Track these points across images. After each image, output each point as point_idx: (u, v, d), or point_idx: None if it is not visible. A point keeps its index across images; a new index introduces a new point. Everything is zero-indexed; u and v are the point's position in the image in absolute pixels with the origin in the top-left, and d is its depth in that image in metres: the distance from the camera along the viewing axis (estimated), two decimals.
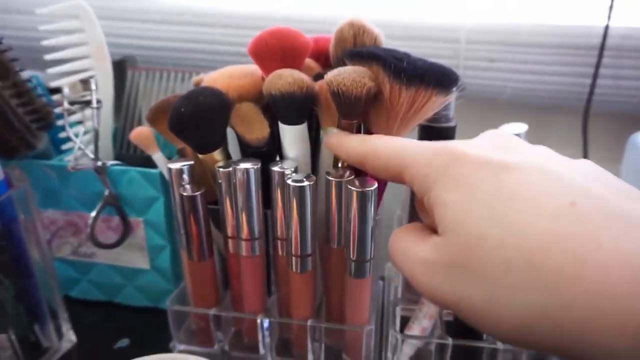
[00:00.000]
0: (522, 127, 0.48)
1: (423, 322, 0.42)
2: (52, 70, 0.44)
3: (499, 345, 0.40)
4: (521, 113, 0.67)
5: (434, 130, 0.46)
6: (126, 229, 0.47)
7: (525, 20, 0.58)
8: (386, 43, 0.60)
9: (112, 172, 0.45)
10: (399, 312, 0.45)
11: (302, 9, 0.62)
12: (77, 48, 0.45)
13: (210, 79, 0.43)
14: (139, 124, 0.58)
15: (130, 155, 0.56)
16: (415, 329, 0.42)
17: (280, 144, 0.41)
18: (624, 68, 0.57)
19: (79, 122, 0.44)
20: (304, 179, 0.37)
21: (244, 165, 0.38)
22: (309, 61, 0.44)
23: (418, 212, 0.32)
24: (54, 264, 0.45)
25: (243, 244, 0.40)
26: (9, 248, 0.39)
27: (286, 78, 0.38)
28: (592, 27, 0.56)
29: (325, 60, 0.45)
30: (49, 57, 0.44)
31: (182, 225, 0.41)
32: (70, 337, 0.46)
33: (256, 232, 0.40)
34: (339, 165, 0.40)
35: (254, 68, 0.43)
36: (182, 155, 0.44)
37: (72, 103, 0.44)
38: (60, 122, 0.45)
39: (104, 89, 0.46)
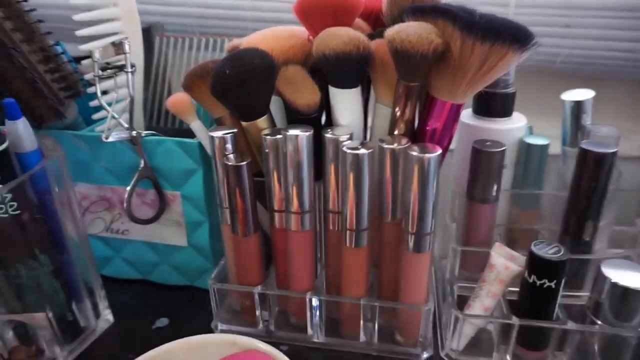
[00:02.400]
0: (589, 94, 0.44)
1: (485, 300, 0.39)
2: (81, 32, 0.40)
3: (570, 326, 0.37)
4: (577, 82, 0.63)
5: (493, 96, 0.43)
6: (162, 203, 0.44)
7: None
8: None
9: (147, 142, 0.42)
10: (456, 290, 0.42)
11: None
12: (106, 9, 0.42)
13: (252, 40, 0.40)
14: (169, 93, 0.55)
15: (160, 127, 0.53)
16: (476, 308, 0.39)
17: (330, 110, 0.38)
18: None
19: (104, 92, 0.41)
20: (361, 147, 0.34)
21: (294, 132, 0.35)
22: (358, 21, 0.40)
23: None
24: (89, 240, 0.42)
25: (292, 217, 0.38)
26: (43, 221, 0.36)
27: (341, 37, 0.34)
28: None
29: (375, 21, 0.41)
30: (77, 17, 0.40)
31: (225, 197, 0.38)
32: (107, 316, 0.44)
33: (307, 204, 0.37)
34: (395, 132, 0.37)
35: (297, 29, 0.40)
36: (220, 125, 0.41)
37: (103, 69, 0.41)
38: (90, 90, 0.42)
39: (135, 54, 0.42)
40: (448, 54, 0.32)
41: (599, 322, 0.37)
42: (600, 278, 0.37)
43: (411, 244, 0.36)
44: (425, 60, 0.32)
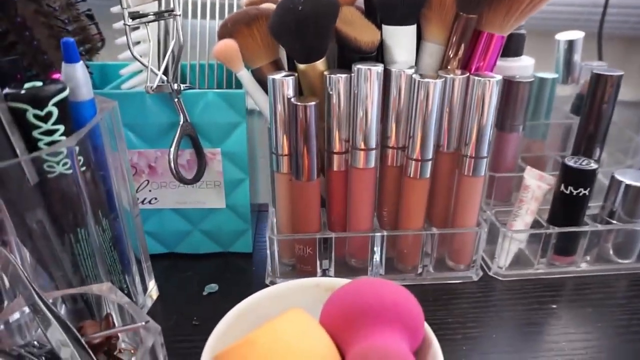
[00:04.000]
0: (579, 34, 0.50)
1: (526, 217, 0.43)
2: None
3: (600, 227, 0.43)
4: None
5: (508, 38, 0.47)
6: (202, 163, 0.41)
7: None
8: None
9: (186, 96, 0.39)
10: (493, 213, 0.46)
11: None
12: None
13: None
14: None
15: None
16: (519, 225, 0.43)
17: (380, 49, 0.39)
18: None
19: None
20: (429, 77, 0.36)
21: (367, 66, 0.35)
22: None
23: None
24: (139, 207, 0.38)
25: (360, 155, 0.38)
26: (104, 180, 0.33)
27: None
28: None
29: None
30: None
31: (288, 144, 0.38)
32: (153, 289, 0.40)
33: (374, 141, 0.38)
34: (448, 67, 0.39)
35: None
36: (258, 78, 0.40)
37: (134, 17, 0.37)
38: (118, 41, 0.38)
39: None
40: None
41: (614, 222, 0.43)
42: (615, 184, 0.43)
43: (469, 168, 0.39)
44: None
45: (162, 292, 0.42)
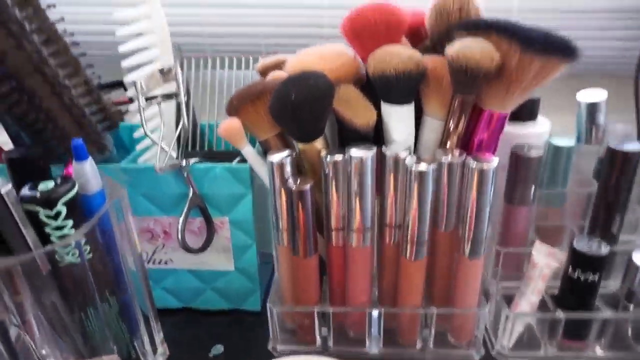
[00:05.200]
0: (602, 94, 0.48)
1: (532, 297, 0.42)
2: (125, 63, 0.40)
3: (611, 315, 0.40)
4: (572, 80, 0.68)
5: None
6: (211, 231, 0.44)
7: None
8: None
9: (197, 170, 0.42)
10: (500, 290, 0.44)
11: None
12: (146, 37, 0.41)
13: (296, 62, 0.41)
14: (193, 115, 0.54)
15: (194, 152, 0.53)
16: (524, 305, 0.42)
17: (379, 127, 0.40)
18: None
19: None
20: (424, 163, 0.36)
21: (359, 153, 0.36)
22: None
23: None
24: (148, 273, 0.41)
25: (354, 234, 0.39)
26: (109, 261, 0.36)
27: (400, 55, 0.36)
28: None
29: (412, 36, 0.43)
30: (122, 48, 0.40)
31: (286, 221, 0.39)
32: (163, 349, 0.43)
33: (369, 221, 0.38)
34: (447, 145, 0.39)
35: (342, 48, 0.41)
36: (265, 148, 0.42)
37: (148, 99, 0.40)
38: (134, 120, 0.42)
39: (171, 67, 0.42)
40: (503, 68, 0.35)
41: (632, 308, 0.40)
42: (632, 267, 0.40)
43: (467, 250, 0.39)
44: (487, 75, 0.34)
45: (174, 351, 0.44)
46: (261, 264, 0.48)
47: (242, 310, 0.49)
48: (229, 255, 0.46)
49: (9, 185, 0.30)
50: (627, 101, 0.62)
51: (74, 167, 0.33)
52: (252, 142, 0.43)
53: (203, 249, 0.44)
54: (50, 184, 0.32)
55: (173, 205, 0.44)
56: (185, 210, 0.42)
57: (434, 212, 0.39)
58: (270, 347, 0.44)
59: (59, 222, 0.32)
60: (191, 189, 0.42)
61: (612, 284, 0.45)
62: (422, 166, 0.36)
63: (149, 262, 0.47)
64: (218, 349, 0.45)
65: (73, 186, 0.32)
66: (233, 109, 0.41)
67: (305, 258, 0.40)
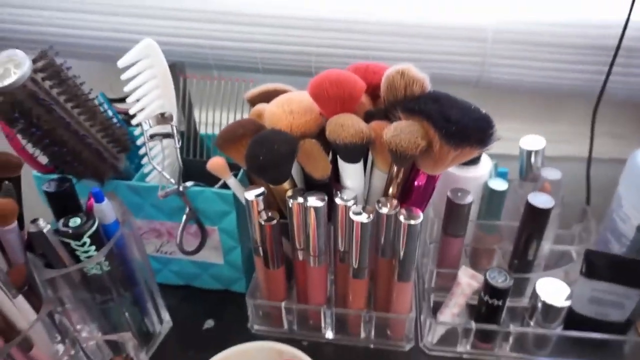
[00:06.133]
0: (541, 143, 0.55)
1: (453, 309, 0.53)
2: (132, 110, 0.50)
3: (511, 329, 0.51)
4: (536, 100, 0.74)
5: None
6: (204, 237, 0.55)
7: (548, 19, 0.62)
8: (415, 42, 0.66)
9: (191, 192, 0.53)
10: (432, 298, 0.55)
11: (329, 10, 0.64)
12: (149, 83, 0.50)
13: (271, 114, 0.49)
14: (195, 129, 0.64)
15: (193, 160, 0.63)
16: (446, 314, 0.53)
17: (339, 173, 0.49)
18: (636, 67, 0.62)
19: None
20: (363, 211, 0.45)
21: (313, 203, 0.46)
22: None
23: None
24: (150, 262, 0.54)
25: (311, 258, 0.50)
26: (123, 268, 0.48)
27: (348, 129, 0.44)
28: (610, 27, 0.60)
29: (373, 91, 0.50)
30: (130, 100, 0.49)
31: (260, 243, 0.50)
32: (168, 320, 0.57)
33: (322, 250, 0.49)
34: (390, 190, 0.48)
35: (310, 104, 0.49)
36: (248, 177, 0.52)
37: (152, 136, 0.50)
38: (141, 151, 0.52)
39: (170, 105, 0.52)
40: (430, 148, 0.43)
41: (532, 324, 0.51)
42: (534, 295, 0.50)
43: (398, 277, 0.49)
44: (413, 157, 0.43)
45: (176, 321, 0.58)
46: (249, 256, 0.59)
47: (232, 291, 0.62)
48: (219, 253, 0.58)
49: (48, 226, 0.42)
50: (582, 128, 0.68)
51: (94, 207, 0.44)
52: None
53: (196, 251, 0.56)
54: (77, 221, 0.43)
55: (175, 214, 0.55)
56: (182, 223, 0.53)
57: (375, 243, 0.49)
58: (249, 325, 0.57)
59: (85, 248, 0.43)
60: (187, 206, 0.53)
61: (525, 301, 0.55)
62: (363, 217, 0.45)
63: (157, 251, 0.59)
64: (209, 323, 0.58)
65: (94, 223, 0.43)
66: (219, 146, 0.50)
67: (273, 270, 0.51)
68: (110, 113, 0.54)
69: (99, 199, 0.44)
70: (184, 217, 0.53)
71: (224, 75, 0.62)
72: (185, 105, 0.63)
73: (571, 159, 0.72)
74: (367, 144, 0.45)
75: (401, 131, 0.42)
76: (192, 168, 0.57)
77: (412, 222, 0.45)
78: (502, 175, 0.58)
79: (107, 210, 0.45)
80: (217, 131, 0.62)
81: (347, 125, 0.44)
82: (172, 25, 0.67)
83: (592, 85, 0.64)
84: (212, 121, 0.62)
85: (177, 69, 0.64)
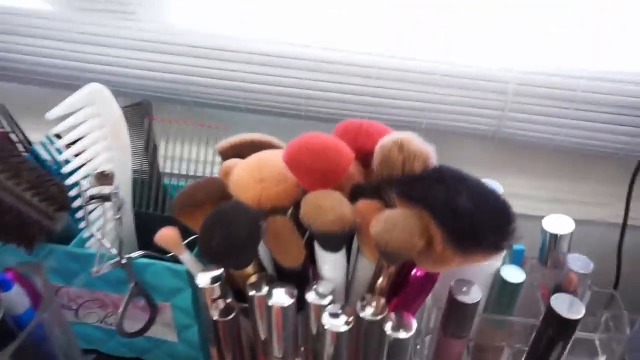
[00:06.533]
0: (568, 226, 0.45)
1: None
2: (69, 166, 0.40)
3: None
4: (560, 154, 0.64)
5: None
6: (153, 315, 0.46)
7: (576, 74, 0.52)
8: (433, 91, 0.56)
9: (138, 263, 0.43)
10: None
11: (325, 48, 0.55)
12: (94, 134, 0.41)
13: (238, 180, 0.40)
14: (158, 175, 0.55)
15: (152, 214, 0.53)
16: None
17: (315, 260, 0.39)
18: None
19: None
20: (342, 314, 0.36)
21: (278, 300, 0.36)
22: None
23: None
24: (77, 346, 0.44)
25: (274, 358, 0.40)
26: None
27: (326, 214, 0.35)
28: None
29: (365, 157, 0.41)
30: (67, 153, 0.40)
31: (214, 338, 0.41)
32: None
33: (289, 352, 0.39)
34: (378, 282, 0.38)
35: (283, 171, 0.39)
36: None
37: (92, 198, 0.41)
38: (79, 214, 0.43)
39: (122, 167, 0.43)
40: (431, 247, 0.33)
41: None
42: None
43: None
44: (407, 257, 0.33)
45: None
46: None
47: None
48: (172, 330, 0.48)
49: None
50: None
51: (2, 296, 0.35)
52: None
53: (142, 332, 0.46)
54: None
55: (122, 285, 0.46)
56: (125, 301, 0.44)
57: (355, 352, 0.39)
58: None
59: None
60: (132, 280, 0.44)
61: None
62: (340, 323, 0.36)
63: (101, 322, 0.50)
64: None
65: None
66: (176, 211, 0.41)
67: None
68: (48, 165, 0.45)
69: (5, 287, 0.34)
70: (128, 293, 0.44)
71: (198, 116, 0.53)
72: (148, 149, 0.53)
73: (598, 223, 0.62)
74: (349, 232, 0.35)
75: (393, 226, 0.33)
76: (150, 224, 0.48)
77: (402, 335, 0.35)
78: (517, 256, 0.48)
79: (16, 298, 0.35)
80: (182, 182, 0.53)
81: (326, 209, 0.35)
82: (147, 57, 0.58)
83: (631, 149, 0.55)
84: (177, 171, 0.53)
85: (143, 109, 0.54)
